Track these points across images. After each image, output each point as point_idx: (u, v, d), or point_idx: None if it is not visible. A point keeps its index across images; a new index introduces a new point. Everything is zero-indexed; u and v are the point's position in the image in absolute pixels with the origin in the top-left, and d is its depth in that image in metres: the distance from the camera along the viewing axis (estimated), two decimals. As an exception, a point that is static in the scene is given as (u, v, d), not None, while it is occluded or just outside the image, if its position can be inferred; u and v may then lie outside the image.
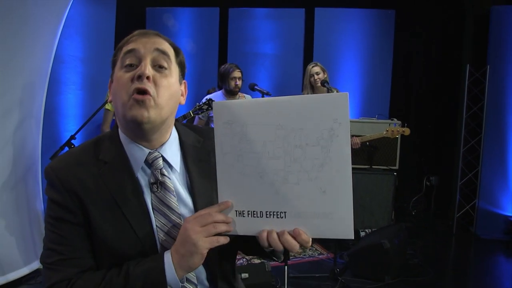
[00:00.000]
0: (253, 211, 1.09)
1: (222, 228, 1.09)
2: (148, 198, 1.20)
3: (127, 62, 1.18)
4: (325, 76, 4.41)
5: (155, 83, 1.16)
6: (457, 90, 5.75)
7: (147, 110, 1.13)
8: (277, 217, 1.08)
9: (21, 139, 3.49)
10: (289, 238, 1.06)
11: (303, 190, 1.05)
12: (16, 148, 3.43)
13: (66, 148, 3.25)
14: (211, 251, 1.10)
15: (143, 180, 1.22)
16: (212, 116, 4.20)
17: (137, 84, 1.13)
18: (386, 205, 4.96)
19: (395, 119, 5.27)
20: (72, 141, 3.28)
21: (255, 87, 4.03)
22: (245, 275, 3.06)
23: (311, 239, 1.08)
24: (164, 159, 1.24)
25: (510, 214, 5.16)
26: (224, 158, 1.10)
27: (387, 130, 4.39)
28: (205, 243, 1.07)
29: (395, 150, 5.15)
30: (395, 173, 5.04)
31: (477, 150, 5.39)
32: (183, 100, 1.31)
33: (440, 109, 6.33)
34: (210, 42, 6.35)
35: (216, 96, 4.38)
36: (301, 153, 1.04)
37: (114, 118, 4.31)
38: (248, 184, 1.09)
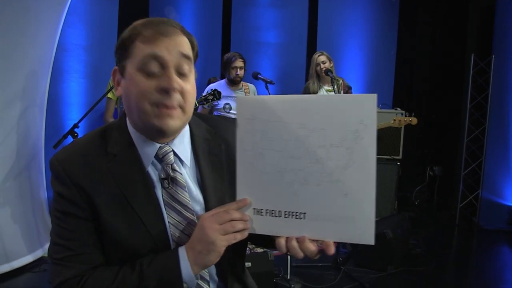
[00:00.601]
0: (272, 210, 1.06)
1: (240, 226, 1.07)
2: (159, 193, 1.16)
3: (151, 69, 1.07)
4: (331, 65, 4.39)
5: (180, 91, 1.09)
6: (462, 80, 5.71)
7: (174, 121, 1.09)
8: (296, 218, 1.04)
9: (24, 128, 3.49)
10: (310, 245, 1.04)
11: (324, 192, 1.01)
12: (20, 137, 3.44)
13: (69, 137, 3.24)
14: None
15: (154, 174, 1.17)
16: (216, 105, 4.20)
17: (164, 99, 1.06)
18: (389, 195, 4.96)
19: (398, 109, 5.24)
20: (75, 129, 3.27)
21: (259, 76, 4.00)
22: (247, 264, 3.06)
23: (332, 244, 1.04)
24: (175, 154, 1.18)
25: (514, 204, 5.16)
26: (244, 154, 1.08)
27: (394, 120, 4.36)
28: (222, 241, 1.05)
29: (399, 140, 5.13)
30: (398, 163, 5.03)
31: (481, 140, 5.37)
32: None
33: (444, 98, 6.30)
34: (213, 30, 6.33)
35: (220, 85, 4.36)
36: (324, 154, 1.01)
37: (116, 107, 4.30)
38: (268, 182, 1.06)
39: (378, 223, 4.14)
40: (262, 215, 1.08)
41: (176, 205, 1.15)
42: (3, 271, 3.27)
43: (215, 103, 4.18)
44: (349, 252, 3.94)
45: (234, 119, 1.14)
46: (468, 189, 5.44)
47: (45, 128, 3.83)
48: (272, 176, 1.05)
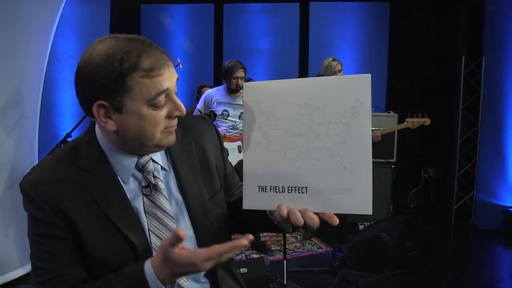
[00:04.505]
0: (276, 187, 1.12)
1: (227, 257, 1.05)
2: (139, 202, 1.17)
3: (161, 103, 1.08)
4: (341, 73, 4.40)
5: None
6: (453, 82, 5.74)
7: (174, 136, 1.17)
8: (298, 192, 1.10)
9: (18, 139, 3.48)
10: (312, 215, 1.06)
11: (325, 165, 1.08)
12: (14, 148, 3.42)
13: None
14: (210, 242, 1.08)
15: (134, 184, 1.18)
16: (214, 111, 4.22)
17: (172, 122, 1.13)
18: (384, 198, 4.97)
19: (391, 112, 5.26)
20: (68, 139, 3.26)
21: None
22: (243, 270, 3.05)
23: (335, 216, 1.07)
24: (154, 161, 1.20)
25: (508, 205, 5.17)
26: (250, 135, 1.15)
27: (407, 121, 4.43)
28: (208, 266, 1.03)
29: (393, 143, 5.16)
30: (393, 166, 5.05)
31: (474, 141, 5.40)
32: None
33: (436, 100, 6.33)
34: (205, 38, 6.35)
35: (218, 91, 4.32)
36: (324, 130, 1.08)
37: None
38: (272, 160, 1.13)
39: (374, 226, 4.16)
40: (266, 192, 1.13)
41: (158, 212, 1.17)
42: (-3, 284, 3.25)
43: (214, 109, 4.23)
44: (346, 255, 3.94)
45: (199, 115, 1.17)
46: (463, 190, 5.46)
47: (39, 138, 3.82)
48: (276, 154, 1.13)
